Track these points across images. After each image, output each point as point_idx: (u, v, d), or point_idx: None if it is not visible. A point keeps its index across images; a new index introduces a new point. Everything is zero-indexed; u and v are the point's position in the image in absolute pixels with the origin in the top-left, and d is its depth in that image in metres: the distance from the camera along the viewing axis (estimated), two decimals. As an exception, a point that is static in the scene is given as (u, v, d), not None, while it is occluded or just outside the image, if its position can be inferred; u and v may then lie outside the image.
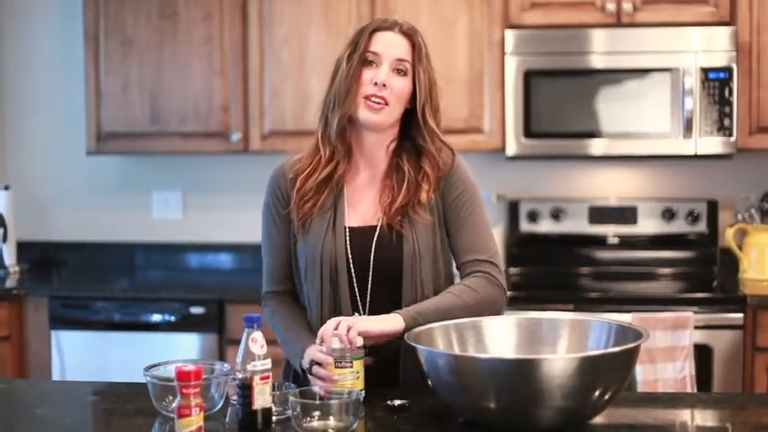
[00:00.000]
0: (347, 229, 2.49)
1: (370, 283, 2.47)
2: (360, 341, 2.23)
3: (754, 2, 4.22)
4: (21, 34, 5.08)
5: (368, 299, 2.47)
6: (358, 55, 2.45)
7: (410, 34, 2.49)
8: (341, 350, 2.21)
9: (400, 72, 2.46)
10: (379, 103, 2.44)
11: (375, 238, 2.47)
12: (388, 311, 2.37)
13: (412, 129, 2.51)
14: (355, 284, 2.47)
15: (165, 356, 2.50)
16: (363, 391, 2.22)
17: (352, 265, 2.47)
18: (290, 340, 2.48)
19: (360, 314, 2.44)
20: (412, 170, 2.49)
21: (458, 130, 4.35)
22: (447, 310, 2.37)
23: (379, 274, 2.45)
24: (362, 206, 2.53)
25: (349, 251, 2.47)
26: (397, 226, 2.46)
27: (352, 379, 2.20)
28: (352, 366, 2.21)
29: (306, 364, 2.34)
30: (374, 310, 2.43)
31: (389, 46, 2.47)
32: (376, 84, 2.43)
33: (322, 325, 2.35)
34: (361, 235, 2.48)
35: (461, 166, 2.56)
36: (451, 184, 2.52)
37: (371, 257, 2.46)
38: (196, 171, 4.98)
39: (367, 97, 2.44)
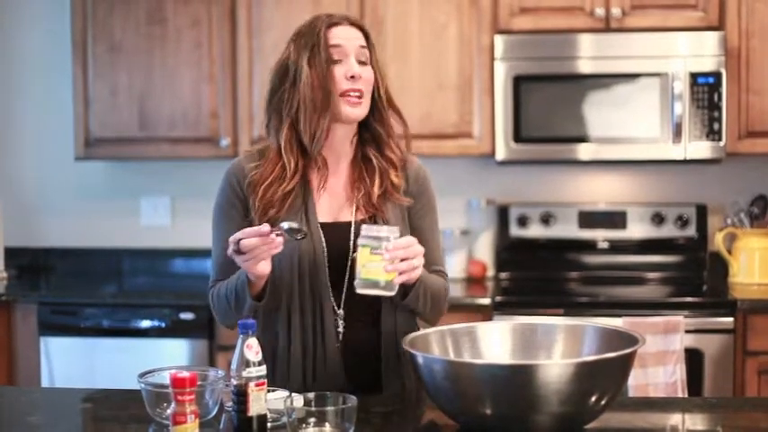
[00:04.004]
0: (320, 226, 2.46)
1: (347, 279, 2.43)
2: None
3: (743, 7, 4.24)
4: (8, 40, 5.06)
5: (343, 296, 2.44)
6: (324, 54, 2.42)
7: (359, 24, 2.50)
8: (376, 238, 2.23)
9: (363, 63, 2.45)
10: (358, 97, 2.43)
11: (352, 235, 2.45)
12: (366, 307, 2.40)
13: (370, 117, 2.49)
14: (329, 282, 2.44)
15: (155, 362, 2.49)
16: (396, 286, 2.25)
17: (326, 262, 2.44)
18: (230, 281, 2.44)
19: (338, 312, 2.44)
20: (379, 159, 2.49)
21: (447, 135, 4.36)
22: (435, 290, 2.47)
23: None
24: (331, 201, 2.50)
25: (325, 248, 2.44)
26: (374, 220, 2.45)
27: (382, 267, 2.22)
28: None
29: (230, 251, 2.28)
30: (351, 307, 2.43)
31: (348, 37, 2.45)
32: (352, 77, 2.41)
33: (302, 329, 2.42)
34: (335, 231, 2.45)
35: (427, 173, 2.60)
36: (419, 191, 2.56)
37: (350, 253, 2.43)
38: (185, 177, 4.97)
39: (344, 93, 2.42)
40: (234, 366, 2.06)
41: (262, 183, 2.44)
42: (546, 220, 4.62)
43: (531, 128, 4.32)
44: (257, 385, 2.05)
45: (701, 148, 4.23)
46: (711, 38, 4.22)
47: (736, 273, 4.38)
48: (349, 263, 2.43)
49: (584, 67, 4.29)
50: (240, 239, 2.25)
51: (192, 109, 4.56)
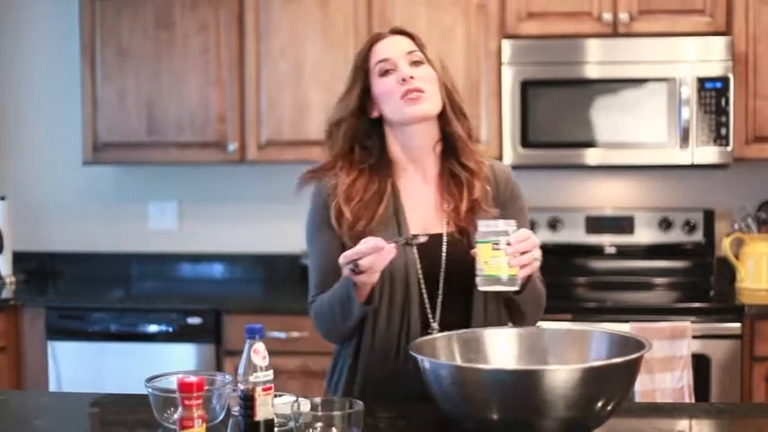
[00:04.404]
0: None
1: (441, 292, 2.43)
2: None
3: (751, 12, 4.24)
4: (16, 44, 5.07)
5: (438, 309, 2.43)
6: (374, 70, 2.45)
7: (404, 31, 2.51)
8: (495, 233, 2.20)
9: (417, 63, 2.45)
10: (416, 94, 2.41)
11: (445, 247, 2.44)
12: (458, 320, 2.38)
13: (443, 121, 2.49)
14: (425, 295, 2.43)
15: (162, 367, 2.49)
16: (519, 280, 2.24)
17: (421, 276, 2.43)
18: (333, 292, 2.38)
19: (433, 325, 2.42)
20: (462, 171, 2.47)
21: (455, 140, 4.35)
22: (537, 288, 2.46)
23: (451, 282, 2.41)
24: (421, 214, 2.48)
25: (418, 260, 2.43)
26: (465, 233, 2.42)
27: (505, 262, 2.19)
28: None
29: (347, 271, 2.25)
30: (443, 319, 2.42)
31: (394, 46, 2.47)
32: (404, 80, 2.41)
33: (386, 340, 2.39)
34: (427, 243, 2.39)
35: (516, 178, 2.61)
36: (511, 197, 2.55)
37: (443, 266, 2.42)
38: (193, 181, 4.97)
39: (403, 96, 2.41)
40: (241, 371, 2.06)
41: (345, 200, 2.43)
42: (553, 225, 4.61)
43: (538, 133, 4.32)
44: (264, 390, 2.05)
45: (708, 153, 4.22)
46: (719, 43, 4.22)
47: (743, 278, 4.37)
48: (442, 274, 2.42)
49: (592, 71, 4.29)
50: (356, 260, 2.21)
51: (200, 113, 4.57)
